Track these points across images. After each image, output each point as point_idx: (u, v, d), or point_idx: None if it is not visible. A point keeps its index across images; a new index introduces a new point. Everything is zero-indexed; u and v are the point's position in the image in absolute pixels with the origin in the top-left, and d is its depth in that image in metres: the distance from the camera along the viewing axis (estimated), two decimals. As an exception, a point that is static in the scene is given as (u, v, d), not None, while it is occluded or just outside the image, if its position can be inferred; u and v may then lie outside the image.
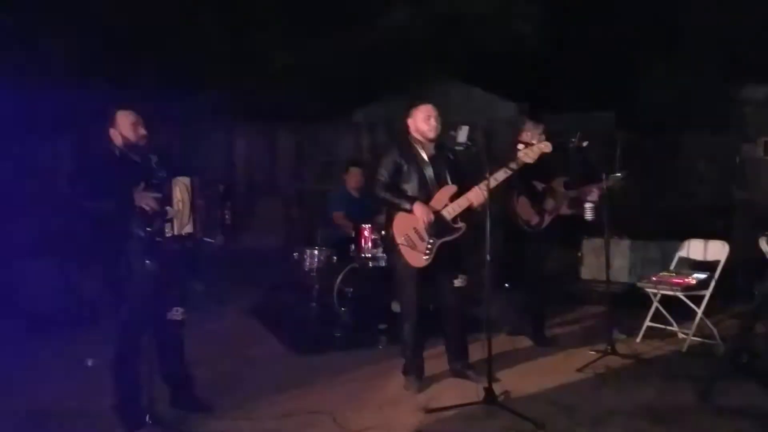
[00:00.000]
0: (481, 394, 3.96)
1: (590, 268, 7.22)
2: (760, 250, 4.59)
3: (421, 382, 4.40)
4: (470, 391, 4.15)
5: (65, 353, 5.19)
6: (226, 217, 3.92)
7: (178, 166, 3.87)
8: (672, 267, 5.64)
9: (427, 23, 10.81)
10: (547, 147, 4.22)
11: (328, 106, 10.51)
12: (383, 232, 5.75)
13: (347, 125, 10.88)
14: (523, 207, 5.19)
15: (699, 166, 8.06)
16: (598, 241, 7.08)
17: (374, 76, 10.74)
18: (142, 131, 3.76)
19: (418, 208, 4.20)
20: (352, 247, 5.89)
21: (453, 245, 4.28)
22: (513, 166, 4.23)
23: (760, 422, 3.76)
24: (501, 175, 4.21)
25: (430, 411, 3.94)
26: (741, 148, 4.10)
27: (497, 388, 4.05)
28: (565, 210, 5.23)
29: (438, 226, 4.22)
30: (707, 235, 5.65)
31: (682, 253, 5.65)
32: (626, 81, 10.45)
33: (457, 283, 4.38)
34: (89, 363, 4.92)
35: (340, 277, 5.72)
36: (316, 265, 5.92)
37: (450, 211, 4.24)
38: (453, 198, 4.25)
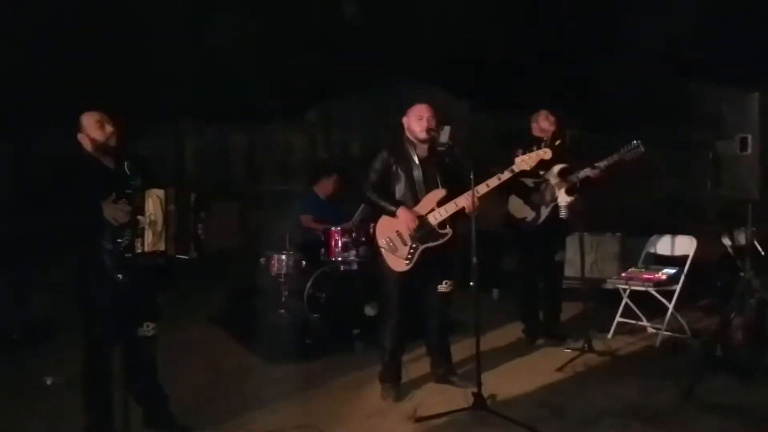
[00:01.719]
0: (470, 400, 3.87)
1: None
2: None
3: (398, 389, 4.29)
4: (457, 396, 4.07)
5: (22, 372, 4.86)
6: (200, 230, 3.70)
7: (153, 173, 3.65)
8: (640, 263, 5.70)
9: (382, 22, 10.72)
10: (546, 154, 4.07)
11: (281, 105, 10.30)
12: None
13: (301, 124, 10.71)
14: (515, 205, 5.13)
15: (661, 162, 8.17)
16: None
17: (328, 75, 10.59)
18: (110, 128, 3.55)
19: (403, 213, 4.08)
20: (323, 250, 5.72)
21: (440, 250, 4.15)
22: (507, 173, 4.11)
23: (745, 418, 3.79)
24: (494, 182, 4.10)
25: (419, 420, 3.84)
26: (716, 145, 4.15)
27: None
28: (564, 199, 5.05)
29: (422, 231, 4.10)
30: (666, 230, 5.74)
31: (649, 248, 5.72)
32: (581, 79, 10.63)
33: (442, 288, 4.28)
34: (48, 382, 4.64)
35: (310, 282, 5.55)
36: (284, 270, 5.72)
37: (436, 216, 4.12)
38: (441, 202, 4.12)
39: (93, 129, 3.53)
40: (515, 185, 4.80)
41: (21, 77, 8.21)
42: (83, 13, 8.85)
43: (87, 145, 3.54)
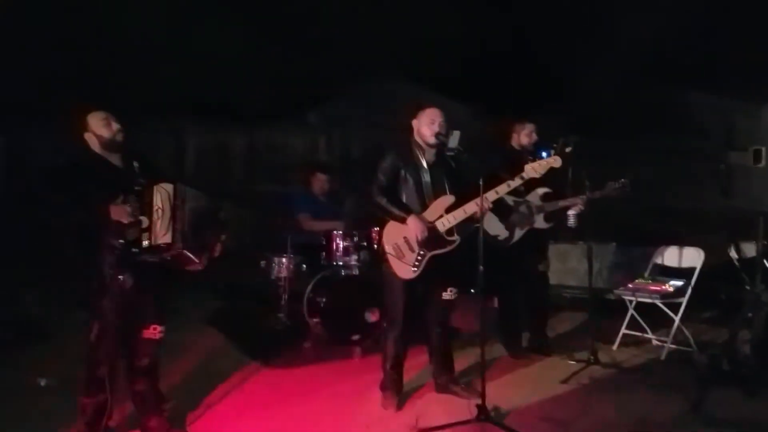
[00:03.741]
0: (473, 411, 3.78)
1: (555, 274, 7.14)
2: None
3: (399, 398, 4.20)
4: (459, 406, 3.97)
5: (15, 373, 4.75)
6: (217, 250, 3.68)
7: (160, 170, 3.59)
8: (647, 274, 5.62)
9: (378, 24, 10.64)
10: (556, 162, 4.00)
11: (280, 106, 10.20)
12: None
13: (301, 126, 10.62)
14: (488, 221, 4.91)
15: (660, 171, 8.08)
16: (562, 247, 7.10)
17: (326, 77, 10.51)
18: (116, 125, 3.53)
19: (413, 221, 3.97)
20: (323, 254, 5.62)
21: (444, 257, 4.06)
22: (517, 180, 4.03)
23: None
24: (503, 189, 4.02)
25: (422, 431, 3.74)
26: (727, 156, 4.10)
27: (484, 403, 3.87)
28: (541, 224, 4.97)
29: (430, 238, 4.01)
30: (668, 241, 5.67)
31: (656, 259, 5.64)
32: (580, 85, 10.55)
33: (446, 296, 4.19)
34: (42, 383, 4.52)
35: (310, 286, 5.45)
36: (285, 273, 5.62)
37: (444, 223, 4.03)
38: (449, 209, 4.04)
39: (99, 127, 3.52)
40: (495, 202, 4.35)
41: (12, 73, 8.11)
42: (81, 10, 8.74)
43: (94, 144, 3.53)
